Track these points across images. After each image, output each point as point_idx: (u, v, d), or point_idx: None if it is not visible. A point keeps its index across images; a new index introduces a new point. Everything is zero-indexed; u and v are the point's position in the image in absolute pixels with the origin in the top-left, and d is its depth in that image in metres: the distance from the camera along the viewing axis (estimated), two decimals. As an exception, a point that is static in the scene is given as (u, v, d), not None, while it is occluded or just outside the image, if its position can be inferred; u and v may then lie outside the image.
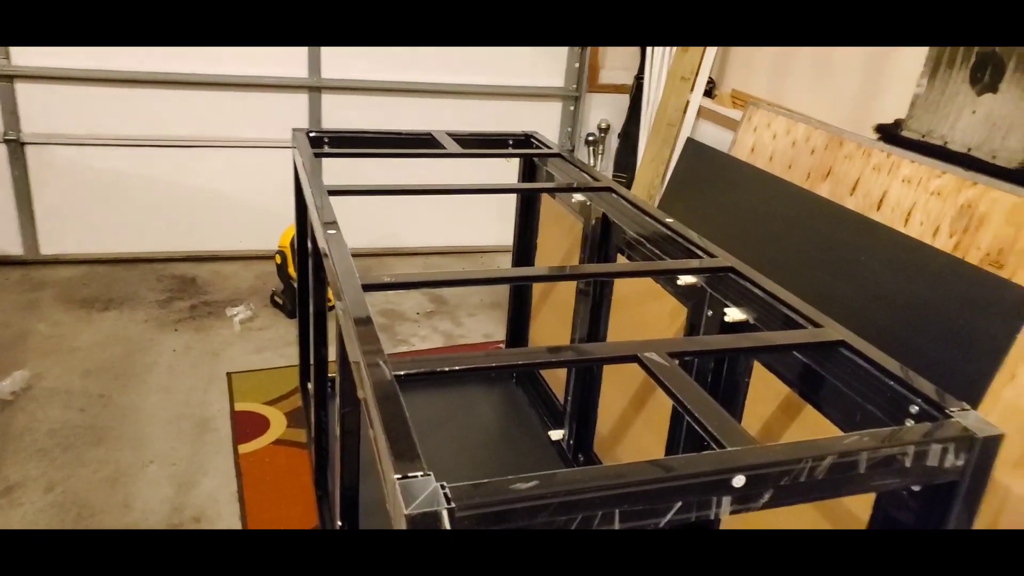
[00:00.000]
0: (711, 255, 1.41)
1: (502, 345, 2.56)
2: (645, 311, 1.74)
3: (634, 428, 1.76)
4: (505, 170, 2.29)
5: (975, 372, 1.81)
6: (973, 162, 2.12)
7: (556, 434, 2.00)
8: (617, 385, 1.83)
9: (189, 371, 2.50)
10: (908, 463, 0.86)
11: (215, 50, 3.14)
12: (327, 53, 3.29)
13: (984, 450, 0.89)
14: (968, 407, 0.93)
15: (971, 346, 1.82)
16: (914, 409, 0.96)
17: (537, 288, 2.32)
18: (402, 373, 0.90)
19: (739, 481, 0.79)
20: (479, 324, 2.88)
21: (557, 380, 2.12)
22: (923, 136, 2.28)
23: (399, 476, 0.73)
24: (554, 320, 2.20)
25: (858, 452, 0.83)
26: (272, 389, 2.45)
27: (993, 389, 1.76)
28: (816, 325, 1.14)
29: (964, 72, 2.25)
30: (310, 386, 1.96)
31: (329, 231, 1.35)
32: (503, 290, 2.63)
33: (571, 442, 1.95)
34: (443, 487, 0.71)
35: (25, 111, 3.02)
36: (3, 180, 3.08)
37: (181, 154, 3.26)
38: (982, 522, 1.78)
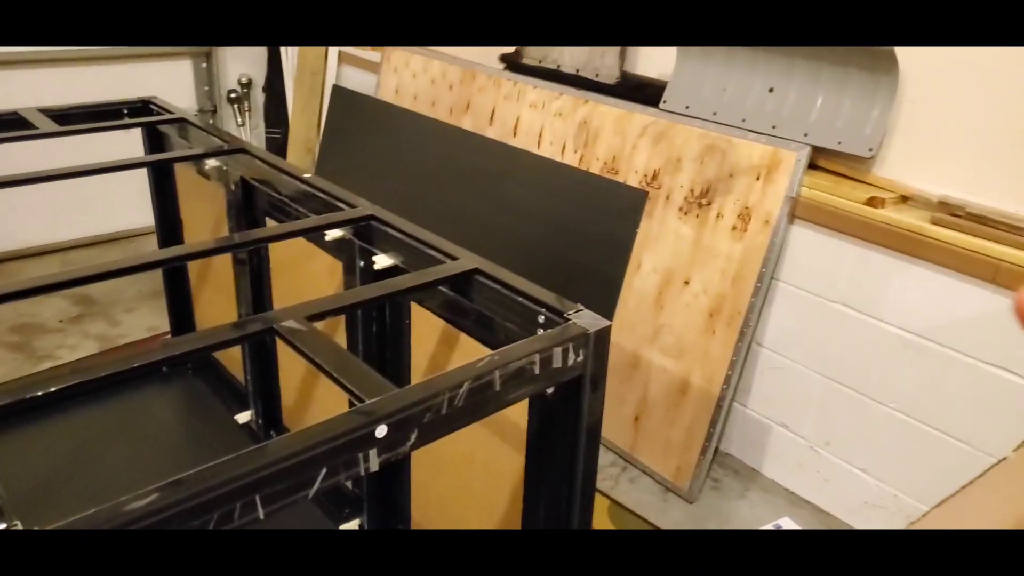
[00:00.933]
0: (352, 206, 1.39)
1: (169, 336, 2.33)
2: (306, 272, 1.68)
3: (318, 392, 1.72)
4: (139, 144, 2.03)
5: (612, 269, 2.05)
6: (582, 82, 2.35)
7: (243, 417, 1.89)
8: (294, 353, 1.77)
9: None
10: (537, 370, 0.94)
11: None
12: None
13: (598, 342, 1.00)
14: (582, 307, 1.04)
15: (606, 247, 2.06)
16: (541, 319, 1.05)
17: (193, 268, 2.13)
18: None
19: (382, 431, 0.80)
20: (140, 319, 2.59)
21: (236, 362, 1.99)
22: (540, 62, 2.47)
23: (-28, 538, 0.61)
24: (218, 298, 2.04)
25: (491, 372, 0.88)
26: None
27: (625, 279, 2.02)
28: (453, 258, 1.18)
29: None
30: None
31: None
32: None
33: (259, 421, 1.86)
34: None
35: None
36: None
37: None
38: (637, 392, 2.06)
